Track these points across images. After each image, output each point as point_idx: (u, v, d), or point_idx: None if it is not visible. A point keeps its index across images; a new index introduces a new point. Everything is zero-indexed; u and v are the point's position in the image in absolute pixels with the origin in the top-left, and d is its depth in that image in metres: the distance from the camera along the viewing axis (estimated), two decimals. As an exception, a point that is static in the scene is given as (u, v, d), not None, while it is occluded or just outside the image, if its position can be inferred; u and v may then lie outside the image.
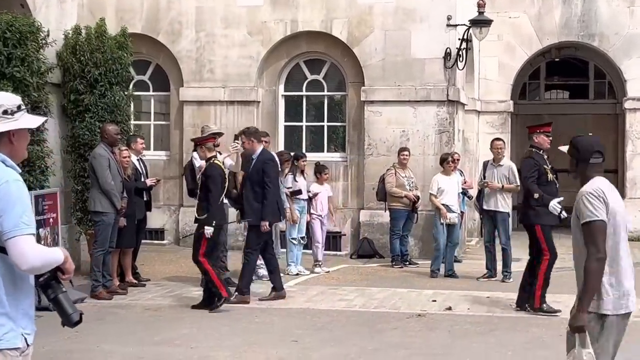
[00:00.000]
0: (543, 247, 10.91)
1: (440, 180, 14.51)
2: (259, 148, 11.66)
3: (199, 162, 12.33)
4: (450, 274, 14.18)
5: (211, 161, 11.03)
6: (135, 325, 10.00)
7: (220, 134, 12.88)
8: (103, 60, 13.29)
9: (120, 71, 13.49)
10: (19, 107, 3.91)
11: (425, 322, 10.29)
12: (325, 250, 16.67)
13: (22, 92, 10.85)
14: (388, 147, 16.82)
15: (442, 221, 14.28)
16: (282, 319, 10.41)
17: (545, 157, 11.23)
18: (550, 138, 11.28)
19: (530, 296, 10.94)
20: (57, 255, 3.86)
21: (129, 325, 9.99)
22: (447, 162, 14.61)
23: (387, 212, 15.67)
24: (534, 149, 11.25)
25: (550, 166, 11.21)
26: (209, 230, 10.80)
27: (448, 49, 16.63)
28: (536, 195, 10.95)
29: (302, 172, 14.25)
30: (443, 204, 14.31)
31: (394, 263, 15.39)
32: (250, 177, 11.51)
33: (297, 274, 13.94)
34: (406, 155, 15.52)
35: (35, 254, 3.72)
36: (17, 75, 10.76)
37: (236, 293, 11.31)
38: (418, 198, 15.42)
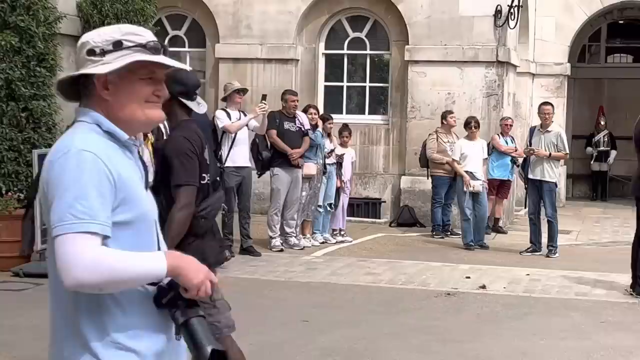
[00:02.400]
0: None
1: (463, 145, 13.57)
2: None
3: (222, 123, 11.53)
4: (481, 244, 13.27)
5: None
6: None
7: (245, 91, 12.06)
8: (124, 11, 12.51)
9: (142, 24, 12.69)
10: (116, 45, 2.66)
11: (453, 302, 9.38)
12: (364, 217, 15.88)
13: (27, 42, 10.13)
14: (432, 110, 15.84)
15: (465, 189, 13.35)
16: (296, 294, 9.58)
17: None
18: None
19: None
20: (148, 265, 2.55)
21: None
22: (470, 126, 13.65)
23: (429, 179, 14.78)
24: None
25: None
26: None
27: (499, 7, 15.53)
28: None
29: (329, 134, 13.32)
30: (466, 171, 13.37)
31: (434, 233, 14.51)
32: None
33: (323, 242, 13.12)
34: (454, 118, 14.51)
35: (87, 263, 2.46)
36: (21, 25, 10.03)
37: None
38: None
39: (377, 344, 7.57)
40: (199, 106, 5.10)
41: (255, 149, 12.01)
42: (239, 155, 11.62)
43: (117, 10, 12.44)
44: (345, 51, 16.93)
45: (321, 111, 14.58)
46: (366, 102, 16.98)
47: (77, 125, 2.69)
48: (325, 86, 17.02)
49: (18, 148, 10.14)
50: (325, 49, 17.03)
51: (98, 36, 2.70)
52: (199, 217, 4.83)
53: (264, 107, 11.58)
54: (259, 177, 12.37)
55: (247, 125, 11.66)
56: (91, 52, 2.67)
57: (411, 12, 16.07)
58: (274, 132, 12.03)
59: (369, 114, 16.88)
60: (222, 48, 16.89)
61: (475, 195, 13.42)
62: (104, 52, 2.66)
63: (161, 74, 2.74)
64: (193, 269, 2.59)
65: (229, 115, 11.63)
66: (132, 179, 2.67)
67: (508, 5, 15.61)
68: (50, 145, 10.35)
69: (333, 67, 17.14)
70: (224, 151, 11.58)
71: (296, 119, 12.30)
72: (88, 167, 2.53)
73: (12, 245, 10.25)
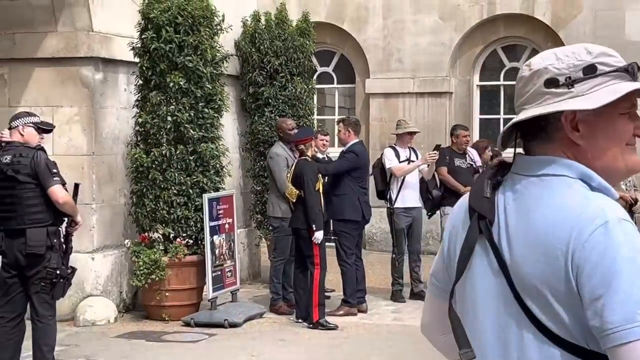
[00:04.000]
0: None
1: None
2: (353, 140, 10.52)
3: (391, 163, 10.96)
4: None
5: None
6: (321, 348, 8.72)
7: (415, 132, 11.48)
8: (284, 48, 12.14)
9: (302, 60, 12.30)
10: (589, 70, 2.02)
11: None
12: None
13: (194, 83, 9.79)
14: (598, 142, 14.93)
15: None
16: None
17: None
18: None
19: None
20: None
21: (314, 348, 8.72)
22: None
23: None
24: None
25: None
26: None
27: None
28: None
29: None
30: None
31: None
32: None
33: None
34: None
35: None
36: (189, 65, 9.69)
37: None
38: (636, 201, 13.49)
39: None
40: None
41: (424, 187, 11.37)
42: (409, 195, 11.04)
43: (277, 47, 12.09)
44: (501, 82, 16.20)
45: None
46: (525, 134, 16.17)
47: (552, 181, 2.02)
48: (481, 119, 16.32)
49: (187, 192, 9.79)
50: (480, 80, 16.34)
51: (559, 60, 2.05)
52: None
53: (434, 157, 11.00)
54: (429, 217, 11.72)
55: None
56: (552, 82, 2.04)
57: (573, 39, 15.18)
58: (444, 169, 11.39)
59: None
60: (373, 83, 16.40)
61: None
62: (572, 82, 2.03)
63: (636, 107, 2.08)
64: None
65: (397, 154, 11.07)
66: None
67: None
68: (218, 189, 10.00)
69: (488, 98, 16.43)
70: (393, 191, 11.02)
71: (467, 155, 11.63)
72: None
73: (182, 294, 9.89)
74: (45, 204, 6.78)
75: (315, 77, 14.79)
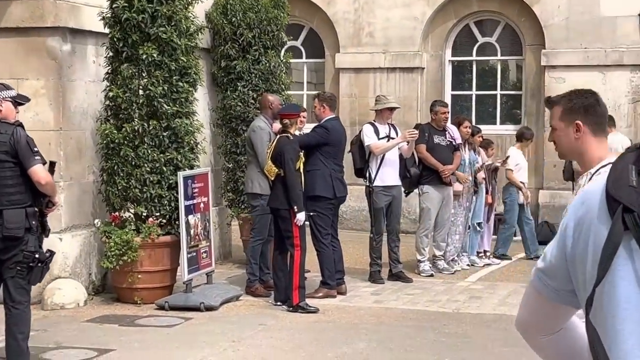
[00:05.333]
0: None
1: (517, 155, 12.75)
2: (328, 116, 10.12)
3: (369, 141, 10.61)
4: None
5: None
6: (305, 333, 8.37)
7: (394, 108, 11.14)
8: (257, 21, 11.70)
9: (276, 33, 11.87)
10: None
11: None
12: (494, 235, 14.90)
13: (168, 55, 9.33)
14: (573, 119, 14.71)
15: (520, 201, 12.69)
16: (476, 329, 8.58)
17: None
18: None
19: None
20: None
21: (298, 333, 8.37)
22: (524, 137, 12.87)
23: (574, 194, 13.64)
24: None
25: None
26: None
27: (645, 5, 14.40)
28: None
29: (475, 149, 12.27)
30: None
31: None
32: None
33: (471, 265, 12.09)
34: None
35: None
36: (162, 36, 9.22)
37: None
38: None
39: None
40: None
41: (402, 165, 11.03)
42: (388, 174, 10.69)
43: (250, 20, 11.66)
44: (474, 57, 15.92)
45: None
46: (497, 111, 15.94)
47: None
48: (453, 95, 16.02)
49: (160, 170, 9.34)
50: (453, 55, 16.03)
51: None
52: None
53: (414, 135, 10.66)
54: (406, 195, 11.38)
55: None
56: None
57: (547, 14, 15.00)
58: (423, 146, 11.06)
59: (501, 124, 15.83)
60: (343, 58, 16.03)
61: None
62: None
63: None
64: None
65: (376, 130, 10.71)
66: None
67: (656, 4, 14.45)
68: (193, 167, 9.57)
69: (461, 74, 16.15)
70: (372, 169, 10.67)
71: (447, 132, 11.31)
72: None
73: (155, 276, 9.48)
74: (24, 184, 6.31)
75: (283, 51, 14.35)
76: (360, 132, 10.94)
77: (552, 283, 1.97)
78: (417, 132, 10.73)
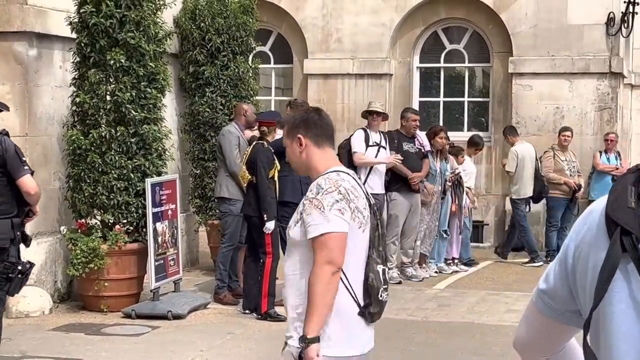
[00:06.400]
0: None
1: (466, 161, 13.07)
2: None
3: (355, 148, 10.64)
4: None
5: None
6: (273, 342, 8.31)
7: (385, 116, 11.20)
8: (226, 26, 11.63)
9: (244, 39, 11.82)
10: None
11: None
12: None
13: (136, 61, 9.24)
14: (539, 126, 14.83)
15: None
16: (445, 337, 8.57)
17: None
18: None
19: None
20: None
21: (266, 342, 8.31)
22: (474, 144, 13.38)
23: (543, 201, 13.73)
24: None
25: None
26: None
27: (611, 14, 14.49)
28: None
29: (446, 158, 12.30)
30: None
31: (549, 259, 13.41)
32: None
33: (439, 272, 12.11)
34: (568, 136, 13.54)
35: None
36: (131, 42, 9.14)
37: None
38: (580, 186, 13.43)
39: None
40: None
41: (370, 172, 11.03)
42: (376, 182, 10.72)
43: (219, 25, 11.59)
44: (442, 64, 15.96)
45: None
46: (465, 118, 15.99)
47: None
48: (421, 102, 16.04)
49: (128, 177, 9.25)
50: (421, 62, 16.06)
51: None
52: None
53: (400, 159, 10.76)
54: (374, 202, 11.36)
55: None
56: None
57: (515, 22, 15.07)
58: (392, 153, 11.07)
59: (468, 130, 15.86)
60: (311, 64, 15.99)
61: None
62: None
63: None
64: None
65: (367, 137, 10.73)
66: None
67: (622, 12, 14.56)
68: (161, 174, 9.49)
69: (428, 81, 16.18)
70: (360, 176, 10.65)
71: (416, 139, 11.32)
72: None
73: (122, 284, 9.38)
74: (11, 193, 6.18)
75: (251, 56, 14.31)
76: (350, 136, 10.97)
77: (554, 304, 1.94)
78: (401, 157, 10.79)
